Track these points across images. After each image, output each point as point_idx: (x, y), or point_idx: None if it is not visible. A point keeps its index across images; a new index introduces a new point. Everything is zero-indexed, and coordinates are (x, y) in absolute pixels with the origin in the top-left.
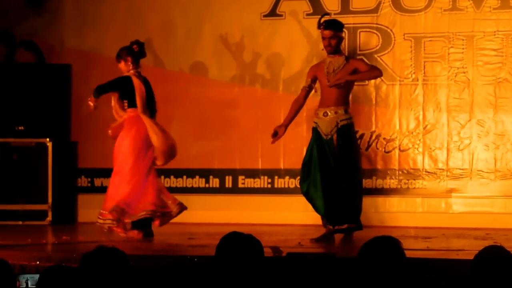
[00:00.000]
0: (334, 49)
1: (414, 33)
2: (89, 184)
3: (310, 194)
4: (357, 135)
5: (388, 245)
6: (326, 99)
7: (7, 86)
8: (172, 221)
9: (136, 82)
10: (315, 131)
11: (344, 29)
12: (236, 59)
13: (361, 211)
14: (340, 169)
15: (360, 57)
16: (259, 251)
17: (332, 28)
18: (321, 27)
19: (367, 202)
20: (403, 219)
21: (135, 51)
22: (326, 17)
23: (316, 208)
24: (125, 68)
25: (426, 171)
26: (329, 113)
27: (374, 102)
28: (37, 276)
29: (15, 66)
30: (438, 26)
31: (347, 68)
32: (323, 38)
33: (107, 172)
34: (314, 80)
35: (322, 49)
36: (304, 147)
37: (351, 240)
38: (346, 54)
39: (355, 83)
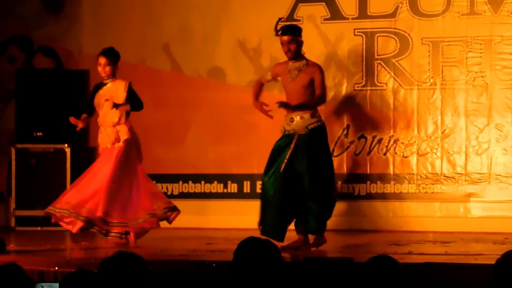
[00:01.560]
0: (294, 54)
1: (432, 38)
2: None
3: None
4: (376, 140)
5: (386, 266)
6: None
7: (26, 92)
8: (190, 226)
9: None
10: (285, 135)
11: (301, 33)
12: (253, 64)
13: (329, 216)
14: (308, 172)
15: (378, 61)
16: (276, 256)
17: (290, 33)
18: (279, 33)
19: (386, 206)
20: (422, 223)
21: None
22: (281, 24)
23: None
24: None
25: (444, 176)
26: (295, 119)
27: (392, 106)
28: (55, 285)
29: (33, 72)
30: (456, 31)
31: (306, 71)
32: (282, 44)
33: None
34: (275, 78)
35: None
36: None
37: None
38: (364, 59)
39: (374, 88)
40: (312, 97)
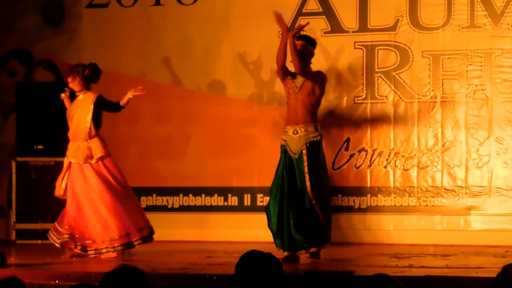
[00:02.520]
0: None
1: (432, 51)
2: None
3: (270, 210)
4: (376, 153)
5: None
6: (294, 117)
7: (26, 106)
8: (190, 239)
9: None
10: (284, 150)
11: (316, 46)
12: (254, 77)
13: (331, 228)
14: (308, 185)
15: (379, 74)
16: (278, 269)
17: (304, 39)
18: (294, 39)
19: (386, 219)
20: (422, 236)
21: (84, 74)
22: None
23: (269, 222)
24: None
25: (445, 189)
26: (299, 131)
27: (392, 119)
28: None
29: (33, 86)
30: (456, 44)
31: (307, 83)
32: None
33: None
34: (289, 73)
35: (290, 61)
36: None
37: (319, 258)
38: (364, 72)
39: (374, 101)
40: (315, 107)
